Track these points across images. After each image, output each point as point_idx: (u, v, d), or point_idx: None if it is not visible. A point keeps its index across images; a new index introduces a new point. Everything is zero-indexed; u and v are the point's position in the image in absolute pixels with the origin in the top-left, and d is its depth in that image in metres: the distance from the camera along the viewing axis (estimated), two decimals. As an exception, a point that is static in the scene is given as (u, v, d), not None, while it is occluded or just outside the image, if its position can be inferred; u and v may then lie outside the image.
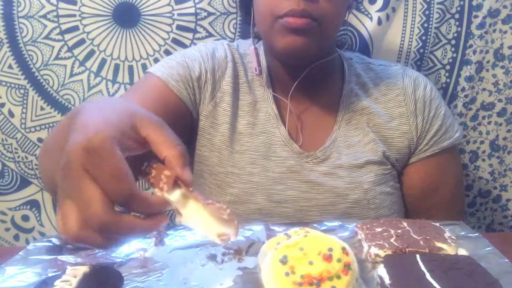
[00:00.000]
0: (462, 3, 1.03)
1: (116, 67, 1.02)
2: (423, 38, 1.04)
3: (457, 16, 1.04)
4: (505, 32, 1.05)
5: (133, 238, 0.43)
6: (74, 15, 0.99)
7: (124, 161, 0.40)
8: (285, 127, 0.81)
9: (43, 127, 1.04)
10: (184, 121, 0.80)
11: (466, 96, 1.07)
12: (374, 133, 0.82)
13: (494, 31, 1.04)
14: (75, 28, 1.00)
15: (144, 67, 1.03)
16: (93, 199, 0.38)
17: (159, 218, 0.42)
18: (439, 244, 0.56)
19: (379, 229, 0.60)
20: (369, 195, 0.77)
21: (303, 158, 0.80)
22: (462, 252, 0.56)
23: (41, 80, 1.02)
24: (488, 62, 1.06)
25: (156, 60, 1.02)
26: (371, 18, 1.02)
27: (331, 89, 0.85)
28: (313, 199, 0.77)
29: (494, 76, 1.07)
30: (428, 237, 0.57)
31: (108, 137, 0.39)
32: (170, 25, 1.01)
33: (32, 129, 1.04)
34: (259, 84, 0.84)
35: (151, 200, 0.41)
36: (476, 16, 1.03)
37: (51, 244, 0.62)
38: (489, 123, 1.10)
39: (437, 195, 0.84)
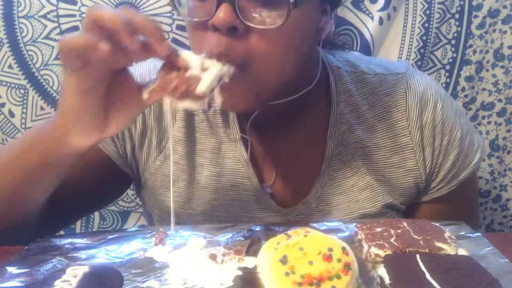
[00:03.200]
0: (462, 3, 1.03)
1: (116, 67, 1.02)
2: (424, 38, 1.04)
3: (457, 16, 1.04)
4: (505, 32, 1.05)
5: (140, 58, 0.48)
6: (74, 15, 0.99)
7: None
8: (257, 176, 0.66)
9: (43, 127, 1.04)
10: (111, 178, 0.68)
11: (466, 96, 1.07)
12: (372, 174, 0.67)
13: (494, 31, 1.04)
14: (75, 28, 1.00)
15: (144, 67, 1.02)
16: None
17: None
18: (439, 244, 0.56)
19: (379, 229, 0.60)
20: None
21: (283, 215, 0.66)
22: (462, 252, 0.56)
23: (41, 80, 1.02)
24: (488, 62, 1.06)
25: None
26: (372, 18, 1.02)
27: (314, 115, 0.68)
28: None
29: (494, 76, 1.07)
30: (428, 237, 0.57)
31: None
32: (170, 25, 1.01)
33: (32, 129, 1.04)
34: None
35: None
36: (476, 16, 1.03)
37: (51, 244, 0.62)
38: (489, 123, 1.10)
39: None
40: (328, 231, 0.62)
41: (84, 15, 0.99)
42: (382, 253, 0.55)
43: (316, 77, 0.66)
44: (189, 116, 0.67)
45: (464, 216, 0.66)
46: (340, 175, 0.67)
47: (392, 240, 0.57)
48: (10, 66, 1.00)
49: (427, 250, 0.55)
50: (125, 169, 0.68)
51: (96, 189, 0.67)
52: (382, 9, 1.01)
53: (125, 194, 1.06)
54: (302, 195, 0.67)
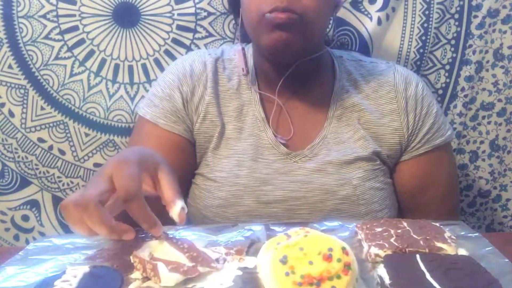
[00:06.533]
0: (461, 3, 1.03)
1: (116, 67, 1.02)
2: (423, 38, 1.04)
3: (456, 16, 1.04)
4: (505, 32, 1.05)
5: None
6: (74, 15, 0.99)
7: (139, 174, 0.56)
8: (272, 129, 0.82)
9: (43, 127, 1.04)
10: (188, 151, 0.84)
11: (466, 96, 1.07)
12: (365, 130, 0.82)
13: (494, 31, 1.05)
14: (75, 28, 1.00)
15: (144, 67, 1.03)
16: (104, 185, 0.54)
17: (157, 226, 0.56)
18: (439, 244, 0.56)
19: (379, 229, 0.60)
20: (358, 191, 0.78)
21: (291, 158, 0.80)
22: (462, 252, 0.56)
23: (41, 80, 1.02)
24: (487, 62, 1.06)
25: (156, 60, 1.02)
26: (371, 18, 1.02)
27: (321, 86, 0.85)
28: (302, 198, 0.77)
29: (493, 76, 1.07)
30: (428, 237, 0.57)
31: (137, 160, 0.58)
32: (170, 25, 1.01)
33: (32, 129, 1.04)
34: (246, 87, 0.85)
35: (148, 210, 0.55)
36: (475, 16, 1.04)
37: (51, 244, 0.62)
38: (489, 123, 1.10)
39: (429, 192, 0.85)
40: (328, 231, 0.62)
41: (84, 15, 1.00)
42: (382, 253, 0.55)
43: (323, 49, 0.85)
44: (215, 85, 0.84)
45: (440, 190, 0.86)
46: (339, 130, 0.83)
47: (392, 240, 0.57)
48: (10, 66, 1.00)
49: (427, 250, 0.55)
50: (191, 139, 0.84)
51: (182, 168, 0.82)
52: (380, 10, 1.01)
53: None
54: (308, 143, 0.81)
